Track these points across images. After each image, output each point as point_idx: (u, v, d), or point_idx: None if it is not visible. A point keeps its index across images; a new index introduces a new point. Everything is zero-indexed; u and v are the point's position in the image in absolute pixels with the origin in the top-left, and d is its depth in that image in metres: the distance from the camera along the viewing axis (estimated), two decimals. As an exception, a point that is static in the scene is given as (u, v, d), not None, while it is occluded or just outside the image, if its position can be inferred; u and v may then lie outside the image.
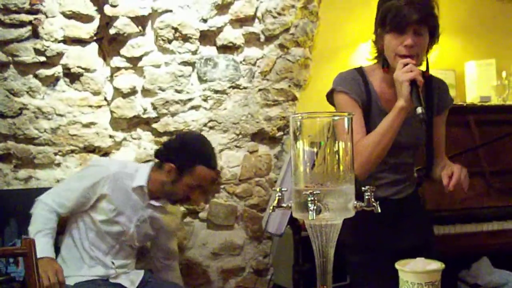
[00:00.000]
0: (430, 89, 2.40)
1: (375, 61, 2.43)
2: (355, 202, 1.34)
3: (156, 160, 3.14)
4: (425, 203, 3.15)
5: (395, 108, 2.18)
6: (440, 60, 4.47)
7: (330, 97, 2.43)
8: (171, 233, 3.30)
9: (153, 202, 3.05)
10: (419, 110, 2.07)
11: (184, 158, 2.97)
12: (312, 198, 1.26)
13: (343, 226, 1.35)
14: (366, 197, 1.35)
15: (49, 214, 2.84)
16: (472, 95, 4.42)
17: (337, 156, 1.34)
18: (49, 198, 2.87)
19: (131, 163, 3.26)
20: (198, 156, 2.99)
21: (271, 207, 1.41)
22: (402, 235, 2.40)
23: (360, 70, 2.42)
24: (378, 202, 1.36)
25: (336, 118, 1.34)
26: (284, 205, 1.39)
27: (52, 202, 2.86)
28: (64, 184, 3.06)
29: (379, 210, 1.35)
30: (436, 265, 1.53)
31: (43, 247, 2.70)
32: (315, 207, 1.25)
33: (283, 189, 1.40)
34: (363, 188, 1.36)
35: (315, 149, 1.34)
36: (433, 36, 2.30)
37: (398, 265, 1.54)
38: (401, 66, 2.16)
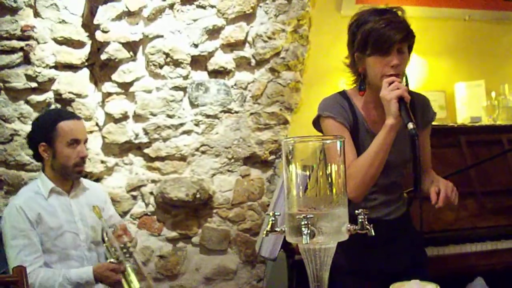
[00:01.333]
0: (412, 105, 2.38)
1: (354, 85, 2.44)
2: (349, 226, 1.34)
3: (39, 164, 3.17)
4: (417, 224, 3.14)
5: (385, 126, 2.18)
6: (430, 81, 4.50)
7: (316, 123, 2.44)
8: (108, 205, 3.24)
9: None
10: (410, 125, 2.08)
11: (42, 130, 2.92)
12: (306, 222, 1.25)
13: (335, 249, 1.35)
14: (360, 220, 1.35)
15: (41, 270, 2.78)
16: (462, 116, 4.44)
17: (329, 179, 1.34)
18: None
19: (29, 185, 3.14)
20: (51, 119, 2.92)
21: (265, 232, 1.40)
22: (394, 257, 2.39)
23: (343, 94, 2.42)
24: (372, 225, 1.36)
25: (328, 141, 1.35)
26: (277, 229, 1.38)
27: (29, 268, 2.68)
28: (13, 250, 2.81)
29: (373, 233, 1.35)
30: (431, 287, 1.52)
31: (78, 274, 2.79)
32: (308, 231, 1.25)
33: (276, 213, 1.40)
34: (356, 211, 1.36)
35: (307, 173, 1.35)
36: (411, 51, 2.33)
37: (393, 288, 1.54)
38: (387, 85, 2.17)
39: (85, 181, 3.15)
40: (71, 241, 2.91)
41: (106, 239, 2.97)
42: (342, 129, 2.31)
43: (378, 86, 2.24)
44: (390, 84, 2.17)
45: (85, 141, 2.98)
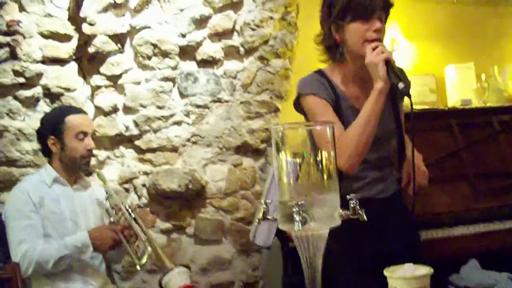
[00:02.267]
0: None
1: (328, 62, 2.43)
2: (341, 211, 1.33)
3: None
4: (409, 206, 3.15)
5: (374, 91, 2.17)
6: (420, 65, 4.50)
7: (297, 104, 2.41)
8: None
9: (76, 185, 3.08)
10: (401, 85, 2.08)
11: (51, 124, 3.01)
12: (297, 209, 1.25)
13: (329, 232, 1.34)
14: (352, 205, 1.35)
15: (39, 244, 2.80)
16: (453, 99, 4.45)
17: (320, 165, 1.33)
18: (23, 246, 2.78)
19: (34, 174, 3.21)
20: (60, 114, 3.03)
21: (257, 220, 1.40)
22: (389, 237, 2.38)
23: (320, 72, 2.41)
24: (364, 210, 1.35)
25: (319, 128, 1.34)
26: (269, 217, 1.38)
27: (27, 244, 2.77)
28: (14, 230, 2.86)
29: (365, 218, 1.35)
30: (425, 270, 1.52)
31: (73, 238, 2.82)
32: (300, 218, 1.25)
33: (268, 201, 1.40)
34: (347, 196, 1.36)
35: (298, 160, 1.34)
36: (385, 24, 2.32)
37: (387, 272, 1.54)
38: (371, 51, 2.17)
39: (88, 178, 3.22)
40: (71, 228, 2.95)
41: (108, 200, 3.09)
42: (325, 104, 2.29)
43: (358, 53, 2.23)
44: (374, 49, 2.17)
45: (93, 134, 3.09)
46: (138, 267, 2.88)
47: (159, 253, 2.85)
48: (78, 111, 3.08)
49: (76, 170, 3.05)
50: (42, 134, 3.05)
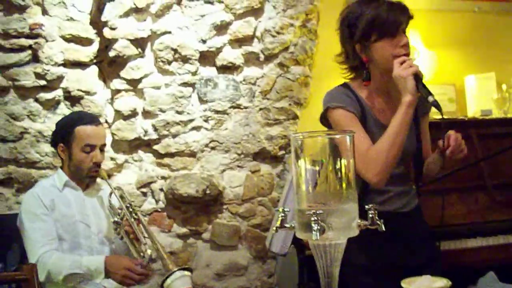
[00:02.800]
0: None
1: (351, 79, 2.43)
2: (359, 221, 1.32)
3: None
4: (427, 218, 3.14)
5: (403, 104, 2.15)
6: (440, 74, 4.48)
7: (323, 118, 2.39)
8: None
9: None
10: (431, 98, 2.09)
11: (61, 132, 2.99)
12: (316, 218, 1.25)
13: (349, 245, 1.33)
14: (370, 215, 1.34)
15: (55, 252, 2.81)
16: (472, 109, 4.42)
17: (339, 174, 1.33)
18: (38, 250, 2.79)
19: (46, 179, 3.21)
20: (71, 122, 2.99)
21: (274, 228, 1.39)
22: (411, 250, 2.37)
23: (346, 86, 2.40)
24: (382, 220, 1.34)
25: (338, 136, 1.34)
26: (287, 225, 1.37)
27: (42, 248, 2.79)
28: (29, 232, 2.88)
29: (384, 229, 1.34)
30: (442, 282, 1.51)
31: (88, 260, 2.79)
32: (318, 227, 1.24)
33: (286, 209, 1.39)
34: (366, 207, 1.35)
35: (317, 168, 1.34)
36: None
37: (404, 284, 1.53)
38: (398, 65, 2.16)
39: (101, 181, 3.19)
40: (82, 231, 2.95)
41: (110, 202, 3.03)
42: (352, 117, 2.28)
43: (388, 69, 2.22)
44: (402, 63, 2.16)
45: (102, 146, 3.02)
46: None
47: (162, 255, 2.84)
48: (91, 121, 3.00)
49: (82, 180, 3.03)
50: (53, 140, 3.06)
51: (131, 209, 2.95)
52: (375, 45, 2.25)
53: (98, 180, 3.15)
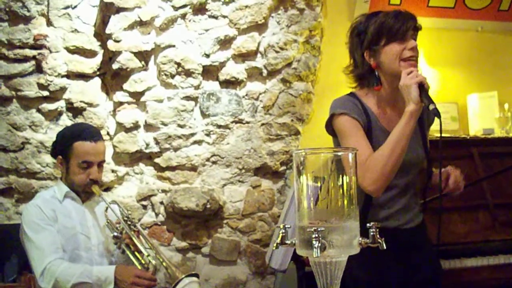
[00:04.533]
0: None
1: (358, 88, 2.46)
2: (360, 239, 1.32)
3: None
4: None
5: (406, 113, 2.17)
6: (443, 93, 4.48)
7: (328, 125, 2.41)
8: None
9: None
10: (432, 106, 2.10)
11: (61, 145, 2.98)
12: (317, 235, 1.24)
13: (352, 261, 1.33)
14: (371, 233, 1.34)
15: (64, 261, 2.80)
16: (475, 128, 4.41)
17: (341, 191, 1.32)
18: (45, 259, 2.79)
19: (46, 190, 3.20)
20: (71, 136, 2.97)
21: (275, 244, 1.39)
22: (415, 267, 2.36)
23: (353, 95, 2.42)
24: (384, 238, 1.34)
25: (341, 153, 1.33)
26: (288, 242, 1.37)
27: (50, 257, 2.79)
28: (35, 243, 2.86)
29: (385, 247, 1.33)
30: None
31: (98, 270, 2.78)
32: (319, 244, 1.24)
33: (286, 226, 1.38)
34: (367, 225, 1.35)
35: (318, 184, 1.33)
36: None
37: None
38: (405, 75, 2.19)
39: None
40: (82, 243, 2.95)
41: (107, 217, 3.00)
42: (356, 125, 2.29)
43: (395, 73, 2.25)
44: (409, 74, 2.18)
45: (100, 163, 3.00)
46: None
47: (168, 264, 2.83)
48: (90, 136, 2.97)
49: (77, 193, 3.02)
50: (53, 150, 3.06)
51: (129, 222, 2.95)
52: (384, 49, 2.29)
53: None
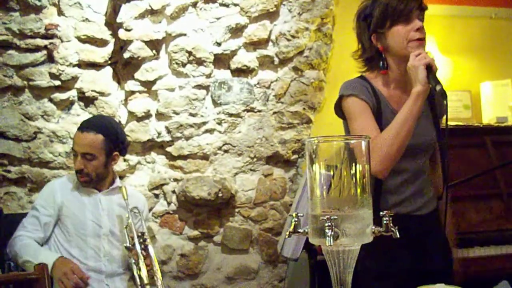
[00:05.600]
0: (431, 96, 2.39)
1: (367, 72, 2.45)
2: (373, 227, 1.31)
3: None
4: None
5: (412, 94, 2.16)
6: (456, 81, 4.45)
7: (338, 106, 2.39)
8: (142, 216, 3.26)
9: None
10: (438, 87, 2.09)
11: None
12: (329, 224, 1.23)
13: (362, 249, 1.32)
14: (385, 222, 1.33)
15: (27, 239, 2.94)
16: (488, 116, 4.39)
17: (354, 179, 1.31)
18: (19, 231, 2.97)
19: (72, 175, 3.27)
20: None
21: (287, 233, 1.38)
22: (426, 256, 2.33)
23: (363, 78, 2.41)
24: (397, 227, 1.33)
25: (354, 141, 1.32)
26: (300, 230, 1.36)
27: (21, 231, 2.97)
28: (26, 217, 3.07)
29: (398, 236, 1.32)
30: (456, 291, 1.49)
31: (45, 255, 2.86)
32: (332, 233, 1.23)
33: (299, 214, 1.38)
34: (381, 213, 1.34)
35: (331, 172, 1.32)
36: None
37: (417, 292, 1.51)
38: (414, 57, 2.17)
39: (127, 186, 3.19)
40: (92, 230, 3.02)
41: (126, 223, 3.03)
42: (365, 106, 2.28)
43: (403, 55, 2.25)
44: (417, 56, 2.17)
45: (85, 155, 2.99)
46: None
47: None
48: (81, 126, 3.03)
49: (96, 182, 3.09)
50: None
51: (142, 239, 2.97)
52: (390, 31, 2.28)
53: (119, 183, 3.20)
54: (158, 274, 2.92)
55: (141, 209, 3.18)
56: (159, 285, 2.89)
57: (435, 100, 2.42)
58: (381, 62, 2.34)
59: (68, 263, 2.84)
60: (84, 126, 3.02)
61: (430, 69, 2.15)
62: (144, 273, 2.86)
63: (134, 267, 2.89)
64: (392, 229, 1.32)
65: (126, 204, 3.02)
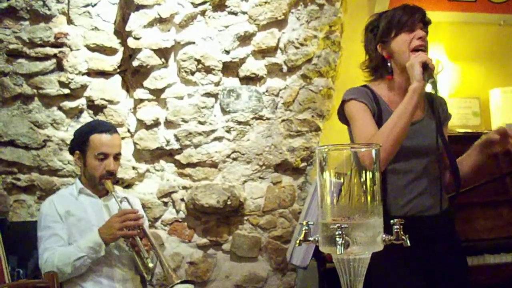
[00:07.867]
0: (432, 102, 2.49)
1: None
2: (384, 236, 1.31)
3: (71, 170, 3.56)
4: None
5: (409, 91, 2.26)
6: (464, 87, 4.44)
7: (341, 112, 2.51)
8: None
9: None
10: (431, 80, 2.26)
11: (78, 140, 3.06)
12: (340, 232, 1.23)
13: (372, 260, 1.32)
14: (395, 230, 1.32)
15: (57, 248, 2.89)
16: (497, 123, 4.36)
17: (364, 187, 1.31)
18: (45, 254, 2.88)
19: (66, 187, 3.31)
20: (87, 130, 3.05)
21: (297, 241, 1.38)
22: (436, 258, 2.33)
23: (366, 86, 2.52)
24: (407, 236, 1.32)
25: (364, 149, 1.33)
26: (310, 238, 1.36)
27: (49, 251, 2.87)
28: (39, 241, 2.98)
29: (409, 244, 1.32)
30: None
31: (88, 239, 2.84)
32: (343, 241, 1.23)
33: (309, 223, 1.38)
34: (391, 221, 1.33)
35: (341, 180, 1.32)
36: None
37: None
38: (412, 57, 2.31)
39: (120, 190, 3.23)
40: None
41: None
42: (364, 108, 2.39)
43: (405, 62, 2.33)
44: (415, 55, 2.31)
45: (116, 155, 3.05)
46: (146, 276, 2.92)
47: (166, 268, 2.86)
48: (106, 129, 3.05)
49: (95, 187, 3.06)
50: (70, 147, 3.14)
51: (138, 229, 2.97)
52: (395, 39, 2.41)
53: (116, 187, 3.19)
54: (159, 252, 2.94)
55: (132, 203, 3.18)
56: (161, 261, 2.89)
57: (438, 108, 2.46)
58: (388, 68, 2.45)
59: (109, 223, 2.87)
60: (109, 128, 3.06)
61: (426, 66, 2.26)
62: (142, 250, 2.88)
63: (133, 250, 2.90)
64: (403, 237, 1.32)
65: (114, 197, 3.02)
